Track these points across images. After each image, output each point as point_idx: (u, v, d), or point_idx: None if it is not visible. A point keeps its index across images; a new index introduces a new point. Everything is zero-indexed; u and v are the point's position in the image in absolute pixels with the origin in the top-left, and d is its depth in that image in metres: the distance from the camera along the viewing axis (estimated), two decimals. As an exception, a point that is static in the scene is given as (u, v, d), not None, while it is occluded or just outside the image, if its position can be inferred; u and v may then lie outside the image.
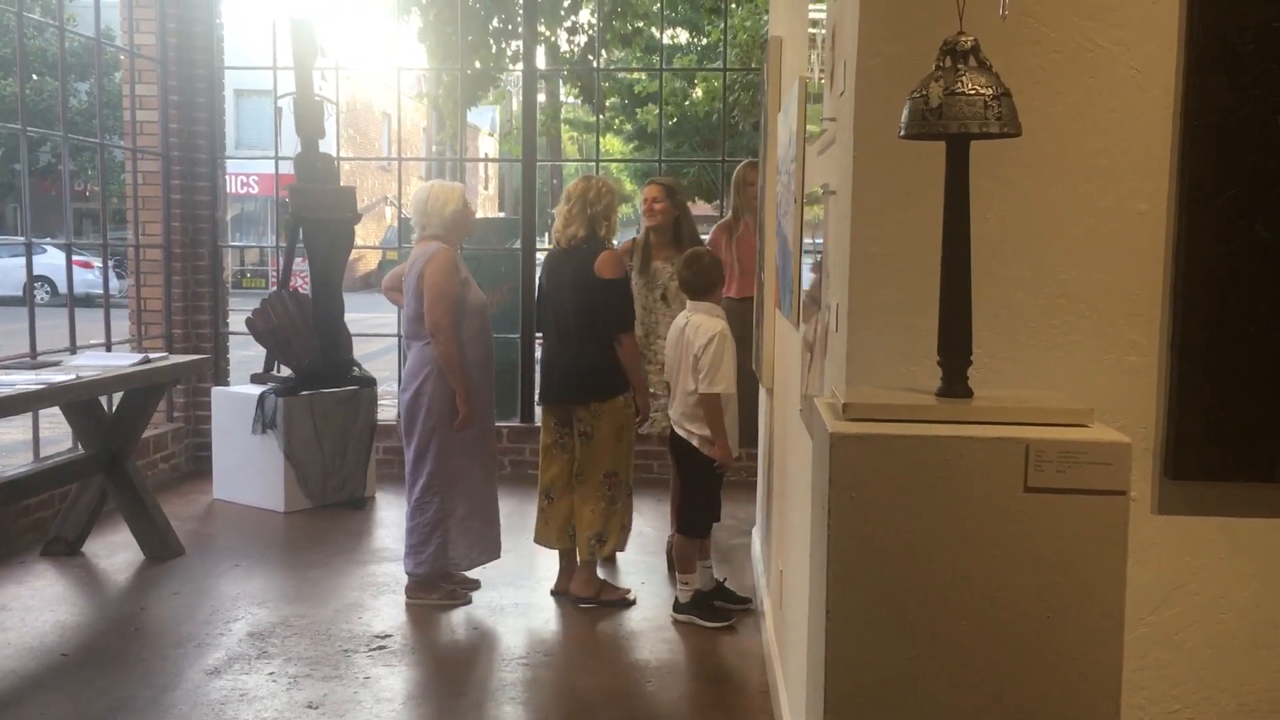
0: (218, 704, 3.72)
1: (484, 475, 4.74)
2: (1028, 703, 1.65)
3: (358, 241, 6.90)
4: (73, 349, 6.14)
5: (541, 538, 4.91)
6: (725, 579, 4.82)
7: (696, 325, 4.41)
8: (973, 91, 1.64)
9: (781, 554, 3.78)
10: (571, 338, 4.65)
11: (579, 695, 3.90)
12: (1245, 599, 2.11)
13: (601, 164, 6.37)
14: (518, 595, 4.89)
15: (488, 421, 4.75)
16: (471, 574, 4.86)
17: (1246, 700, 2.12)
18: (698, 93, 19.64)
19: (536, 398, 5.09)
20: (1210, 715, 2.13)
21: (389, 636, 4.36)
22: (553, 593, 4.90)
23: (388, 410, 7.61)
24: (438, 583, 4.71)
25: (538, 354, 7.60)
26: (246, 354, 7.97)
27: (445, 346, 4.47)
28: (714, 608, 4.60)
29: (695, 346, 4.36)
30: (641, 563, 5.34)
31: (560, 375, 4.71)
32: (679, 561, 4.63)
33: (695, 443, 4.48)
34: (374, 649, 4.23)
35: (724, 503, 4.78)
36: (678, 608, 4.61)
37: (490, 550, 4.81)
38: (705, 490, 4.57)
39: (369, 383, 6.63)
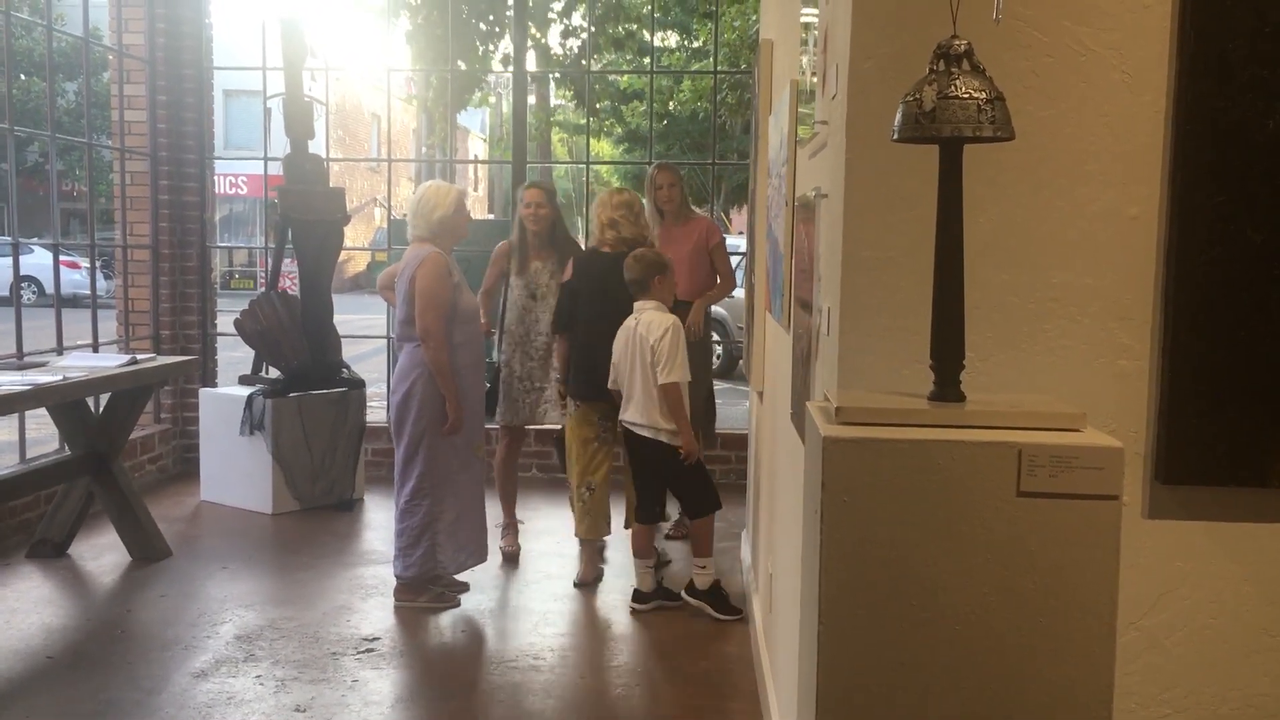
0: (204, 707, 3.70)
1: (472, 479, 4.73)
2: (1020, 707, 1.65)
3: (347, 243, 6.89)
4: (60, 350, 6.11)
5: (594, 530, 5.04)
6: (718, 579, 4.82)
7: (649, 321, 4.51)
8: (966, 95, 1.64)
9: (771, 557, 3.78)
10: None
11: (567, 699, 3.89)
12: (1236, 603, 2.11)
13: (591, 166, 6.37)
14: (506, 598, 4.87)
15: (478, 426, 4.74)
16: (460, 577, 4.85)
17: (1237, 705, 2.12)
18: (685, 87, 19.66)
19: (570, 394, 5.10)
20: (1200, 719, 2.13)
21: (377, 639, 4.34)
22: (578, 584, 5.01)
23: (377, 412, 7.58)
24: (426, 585, 4.70)
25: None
26: (235, 355, 7.94)
27: (436, 352, 4.46)
28: (727, 599, 4.66)
29: (650, 340, 4.46)
30: (627, 565, 5.33)
31: (605, 373, 4.76)
32: (696, 545, 4.72)
33: (665, 438, 4.53)
34: (362, 652, 4.21)
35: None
36: (639, 598, 4.74)
37: (478, 553, 4.80)
38: (693, 471, 4.64)
39: (358, 384, 6.61)
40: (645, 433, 4.56)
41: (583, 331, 4.97)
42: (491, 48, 13.63)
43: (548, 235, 5.47)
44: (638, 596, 4.75)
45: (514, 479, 5.70)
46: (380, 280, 5.07)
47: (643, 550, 4.76)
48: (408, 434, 4.59)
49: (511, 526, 5.61)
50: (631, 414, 4.60)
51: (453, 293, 4.52)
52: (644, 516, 4.77)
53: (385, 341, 7.75)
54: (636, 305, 4.61)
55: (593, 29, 13.50)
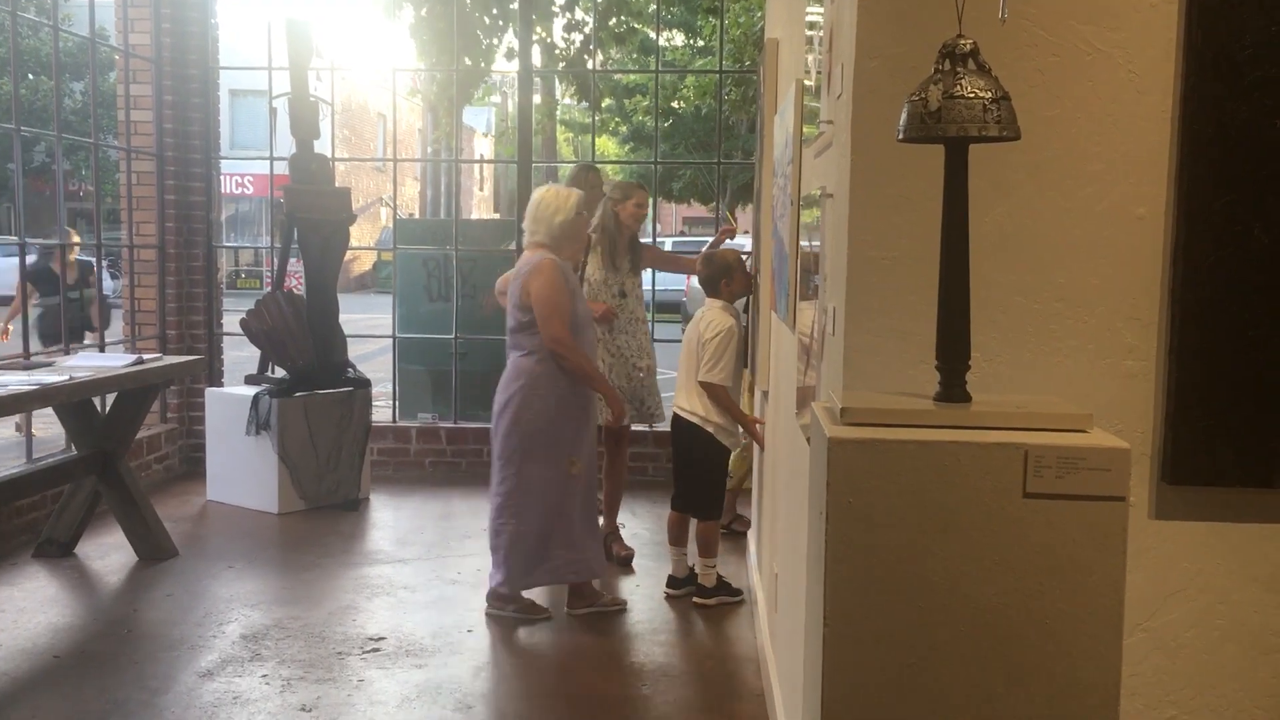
0: (210, 707, 3.71)
1: (568, 495, 4.49)
2: (1026, 709, 1.64)
3: (352, 242, 6.89)
4: (66, 349, 6.12)
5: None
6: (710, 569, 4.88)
7: (709, 320, 4.70)
8: (972, 95, 1.64)
9: (776, 557, 3.78)
10: None
11: (573, 699, 3.89)
12: (1243, 604, 2.10)
13: (597, 165, 6.39)
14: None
15: (577, 440, 4.49)
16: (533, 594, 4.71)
17: (1244, 706, 2.12)
18: (689, 85, 19.66)
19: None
20: (1207, 721, 2.13)
21: (383, 639, 4.34)
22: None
23: (382, 411, 7.60)
24: (517, 597, 4.61)
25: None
26: (241, 355, 7.96)
27: (573, 358, 4.29)
28: (729, 584, 4.86)
29: (705, 336, 4.65)
30: (638, 565, 5.33)
31: None
32: (703, 546, 4.79)
33: (712, 430, 4.67)
34: (368, 651, 4.21)
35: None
36: (673, 584, 4.89)
37: (581, 568, 4.59)
38: (715, 472, 4.79)
39: (363, 384, 6.61)
40: (690, 418, 4.71)
41: None
42: (496, 41, 13.61)
43: (632, 236, 5.47)
44: (671, 582, 4.91)
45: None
46: (498, 285, 4.96)
47: (677, 538, 4.87)
48: (499, 446, 4.46)
49: (614, 533, 5.48)
50: (679, 399, 4.80)
51: (570, 299, 4.37)
52: (678, 504, 4.87)
53: (390, 341, 7.77)
54: (707, 302, 4.81)
55: (595, 24, 13.50)
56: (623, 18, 14.65)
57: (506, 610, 4.60)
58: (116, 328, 7.19)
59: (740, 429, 4.76)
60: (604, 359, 5.25)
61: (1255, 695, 2.12)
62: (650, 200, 5.38)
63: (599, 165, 6.45)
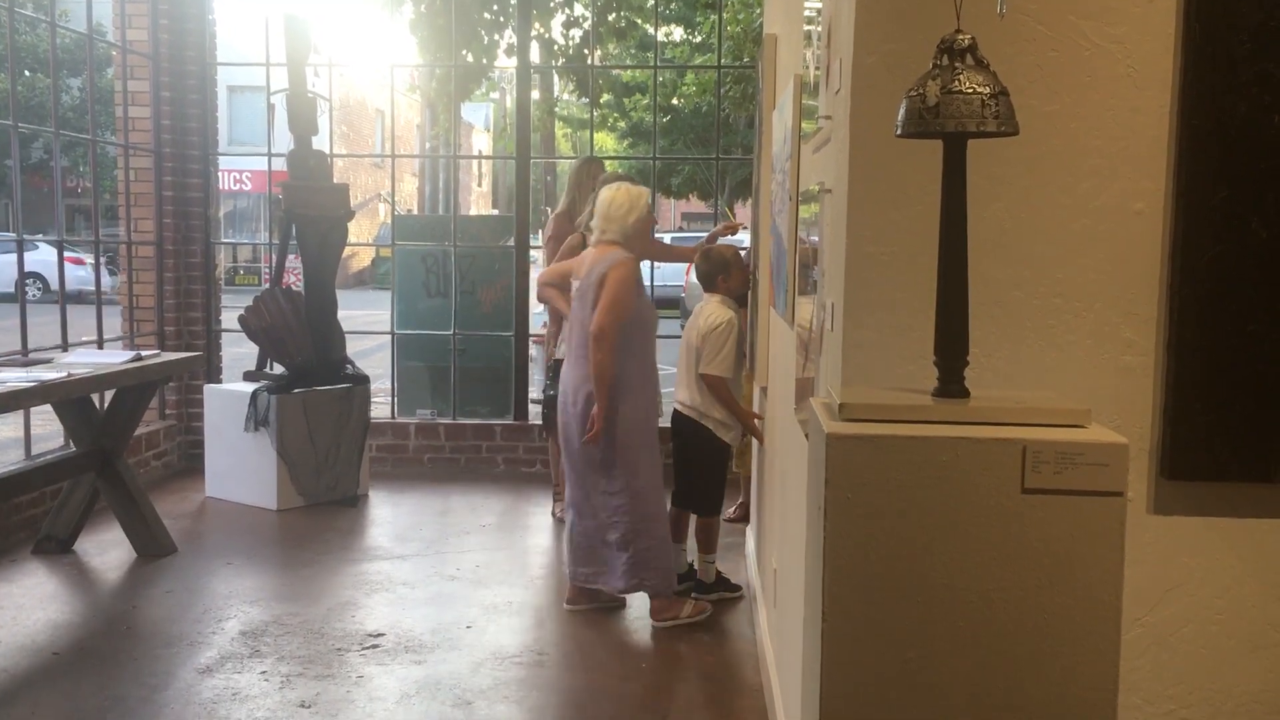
0: (210, 703, 3.71)
1: (660, 495, 4.54)
2: (1024, 704, 1.64)
3: (351, 239, 6.89)
4: (64, 346, 6.12)
5: None
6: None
7: (708, 314, 4.70)
8: (970, 90, 1.63)
9: (775, 552, 3.78)
10: None
11: (572, 694, 3.89)
12: (1241, 599, 2.10)
13: (599, 158, 6.40)
14: (511, 594, 4.88)
15: (652, 438, 4.52)
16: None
17: (1243, 701, 2.12)
18: (688, 81, 19.63)
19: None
20: (1206, 716, 2.13)
21: (382, 635, 4.34)
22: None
23: (381, 408, 7.60)
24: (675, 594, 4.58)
25: (531, 352, 7.66)
26: (239, 351, 7.95)
27: (605, 354, 4.27)
28: (729, 580, 4.87)
29: (704, 331, 4.65)
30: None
31: None
32: (703, 541, 4.81)
33: (711, 425, 4.67)
34: (367, 648, 4.22)
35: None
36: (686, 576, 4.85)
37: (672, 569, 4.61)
38: (715, 468, 4.80)
39: (362, 380, 6.61)
40: (689, 413, 4.72)
41: None
42: (496, 37, 13.59)
43: None
44: None
45: None
46: (544, 277, 4.89)
47: (676, 534, 4.85)
48: (603, 449, 4.39)
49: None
50: (679, 394, 4.80)
51: (638, 300, 4.41)
52: (678, 500, 4.88)
53: (389, 338, 7.77)
54: (705, 297, 4.82)
55: (594, 19, 13.49)
56: (622, 13, 14.64)
57: (684, 613, 4.51)
58: (115, 324, 7.18)
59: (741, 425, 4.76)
60: None
61: (1253, 689, 2.12)
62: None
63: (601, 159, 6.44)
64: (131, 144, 7.03)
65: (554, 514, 6.01)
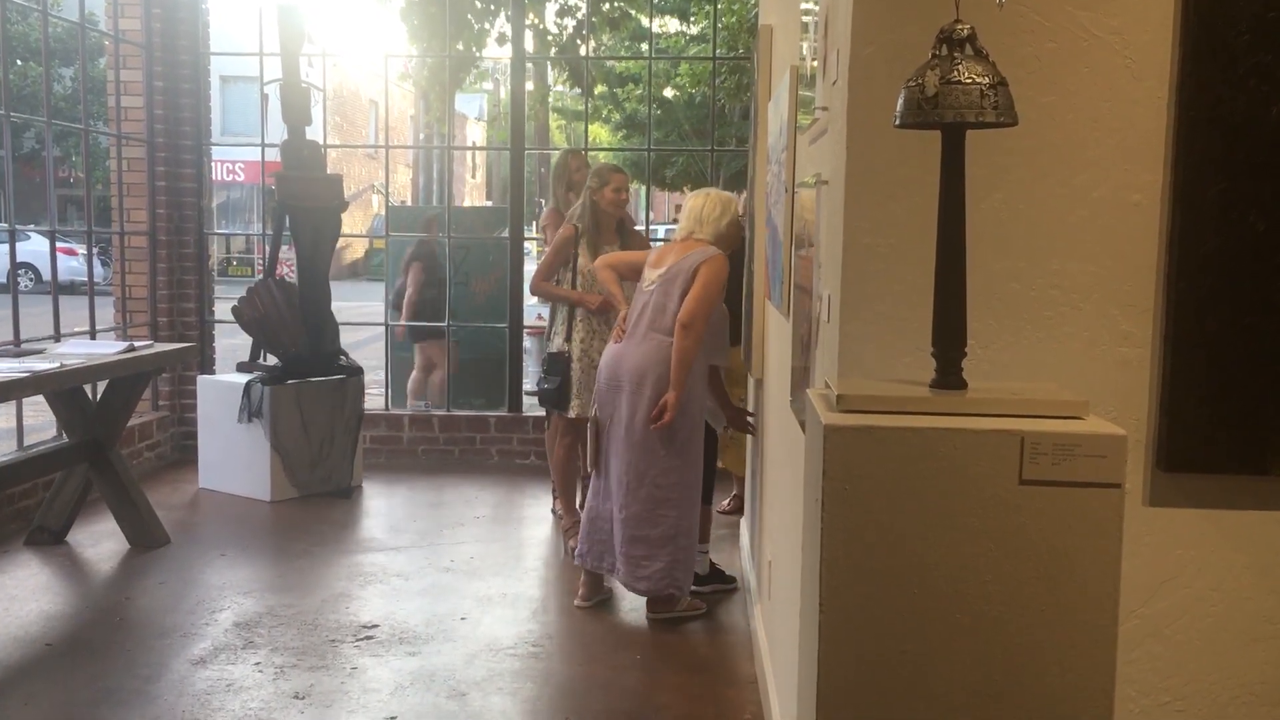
0: (203, 694, 3.70)
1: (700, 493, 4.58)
2: (1021, 695, 1.64)
3: (344, 229, 6.87)
4: (57, 337, 6.10)
5: None
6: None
7: None
8: (969, 80, 1.63)
9: (771, 544, 3.78)
10: None
11: (567, 686, 3.89)
12: (1237, 591, 2.11)
13: (590, 152, 6.38)
14: (505, 585, 4.87)
15: (702, 434, 4.55)
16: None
17: (1238, 693, 2.12)
18: (683, 72, 19.59)
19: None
20: (1202, 708, 2.13)
21: (376, 627, 4.34)
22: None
23: (375, 399, 7.58)
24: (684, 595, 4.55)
25: (525, 344, 7.66)
26: (233, 342, 7.93)
27: (692, 341, 4.29)
28: (723, 572, 4.87)
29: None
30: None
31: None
32: (701, 531, 4.72)
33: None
34: (361, 639, 4.21)
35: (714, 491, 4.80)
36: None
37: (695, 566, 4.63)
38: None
39: (356, 371, 6.60)
40: None
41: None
42: (488, 26, 13.53)
43: (618, 221, 5.39)
44: None
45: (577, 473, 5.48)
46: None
47: (703, 534, 4.78)
48: (663, 436, 4.37)
49: (577, 525, 5.31)
50: None
51: (721, 297, 4.46)
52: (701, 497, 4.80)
53: (383, 329, 7.75)
54: None
55: (587, 9, 13.45)
56: (616, 3, 14.59)
57: (680, 609, 4.51)
58: (108, 315, 7.16)
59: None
60: (596, 347, 5.21)
61: (1249, 681, 2.12)
62: (630, 183, 5.28)
63: (589, 150, 6.42)
64: (124, 134, 7.00)
65: (553, 511, 5.86)
